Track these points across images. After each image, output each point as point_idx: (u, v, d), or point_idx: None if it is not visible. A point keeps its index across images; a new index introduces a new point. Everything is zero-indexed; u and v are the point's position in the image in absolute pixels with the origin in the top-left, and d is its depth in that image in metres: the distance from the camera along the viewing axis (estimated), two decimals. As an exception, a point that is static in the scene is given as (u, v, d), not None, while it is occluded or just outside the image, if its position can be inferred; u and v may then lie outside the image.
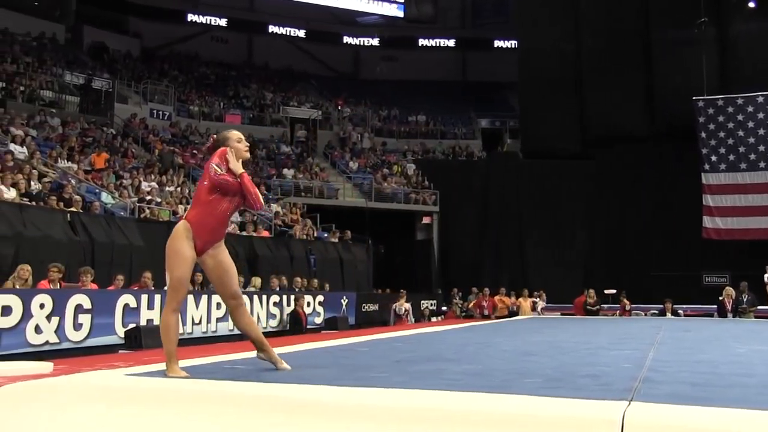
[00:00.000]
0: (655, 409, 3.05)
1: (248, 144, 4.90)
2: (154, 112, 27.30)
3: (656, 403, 3.15)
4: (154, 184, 17.88)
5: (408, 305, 19.34)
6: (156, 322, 10.53)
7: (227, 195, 4.56)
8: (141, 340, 9.47)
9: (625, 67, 27.09)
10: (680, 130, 24.49)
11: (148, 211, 15.85)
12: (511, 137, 33.67)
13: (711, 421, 2.82)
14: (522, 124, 31.29)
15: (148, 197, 16.74)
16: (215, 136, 4.95)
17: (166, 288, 4.61)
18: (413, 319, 19.06)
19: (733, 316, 16.84)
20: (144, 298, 10.61)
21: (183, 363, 4.85)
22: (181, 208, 17.05)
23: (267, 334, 12.58)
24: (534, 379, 4.32)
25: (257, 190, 4.80)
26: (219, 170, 4.53)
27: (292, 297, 14.60)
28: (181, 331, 11.06)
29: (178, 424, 3.45)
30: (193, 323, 11.51)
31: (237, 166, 4.61)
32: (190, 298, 11.66)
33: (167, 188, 18.23)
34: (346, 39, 40.79)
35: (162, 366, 4.47)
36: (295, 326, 14.03)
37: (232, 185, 4.55)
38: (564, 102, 28.33)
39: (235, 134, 4.81)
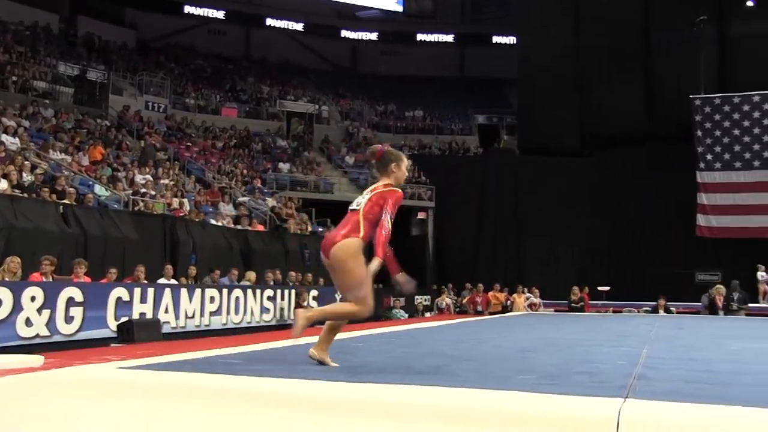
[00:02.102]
0: (650, 406, 3.02)
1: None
2: (150, 104, 27.16)
3: (652, 401, 3.13)
4: (148, 176, 17.77)
5: (449, 300, 20.68)
6: (149, 315, 10.50)
7: None
8: (133, 334, 9.39)
9: (625, 65, 27.14)
10: (678, 129, 24.49)
11: (142, 203, 15.76)
12: (507, 133, 33.67)
13: (707, 419, 2.78)
14: (520, 120, 31.31)
15: (143, 190, 16.64)
16: (385, 147, 4.95)
17: (347, 297, 4.82)
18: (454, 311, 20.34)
19: (725, 314, 16.93)
20: (137, 291, 10.54)
21: (177, 357, 4.82)
22: (175, 201, 16.94)
23: (261, 329, 12.61)
24: (529, 375, 4.30)
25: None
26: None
27: (293, 292, 14.54)
28: (174, 325, 11.09)
29: (171, 418, 3.41)
30: (186, 317, 11.46)
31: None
32: (184, 291, 11.60)
33: (162, 181, 18.15)
34: (345, 33, 40.73)
35: (153, 360, 4.43)
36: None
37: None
38: (564, 99, 28.35)
39: (406, 160, 4.92)
